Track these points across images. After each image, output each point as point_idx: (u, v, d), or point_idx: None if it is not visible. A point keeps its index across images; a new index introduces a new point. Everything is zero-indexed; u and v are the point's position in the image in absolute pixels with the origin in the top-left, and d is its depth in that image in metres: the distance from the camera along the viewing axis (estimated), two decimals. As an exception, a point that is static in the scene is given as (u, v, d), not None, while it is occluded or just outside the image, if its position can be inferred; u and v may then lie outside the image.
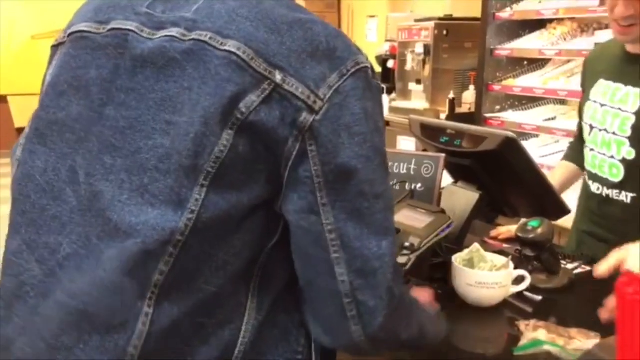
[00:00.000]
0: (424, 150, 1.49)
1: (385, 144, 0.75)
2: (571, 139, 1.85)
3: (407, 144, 3.53)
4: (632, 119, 1.37)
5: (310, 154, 0.70)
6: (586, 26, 2.82)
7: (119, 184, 0.72)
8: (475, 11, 3.54)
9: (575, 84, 2.75)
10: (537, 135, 2.99)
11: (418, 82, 3.68)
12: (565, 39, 2.86)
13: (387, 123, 3.81)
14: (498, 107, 3.16)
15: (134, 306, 0.70)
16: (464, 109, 3.43)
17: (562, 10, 2.70)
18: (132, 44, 0.74)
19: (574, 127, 2.70)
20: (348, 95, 0.71)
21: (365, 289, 0.72)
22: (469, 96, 3.42)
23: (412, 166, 1.35)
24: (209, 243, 0.71)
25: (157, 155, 0.71)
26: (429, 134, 1.41)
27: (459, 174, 1.40)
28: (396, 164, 1.37)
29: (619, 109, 1.40)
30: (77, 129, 0.75)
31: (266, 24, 0.72)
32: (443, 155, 1.31)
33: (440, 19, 3.60)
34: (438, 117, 3.54)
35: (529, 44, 2.97)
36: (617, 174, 1.42)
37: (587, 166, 1.53)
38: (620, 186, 1.42)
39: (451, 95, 3.38)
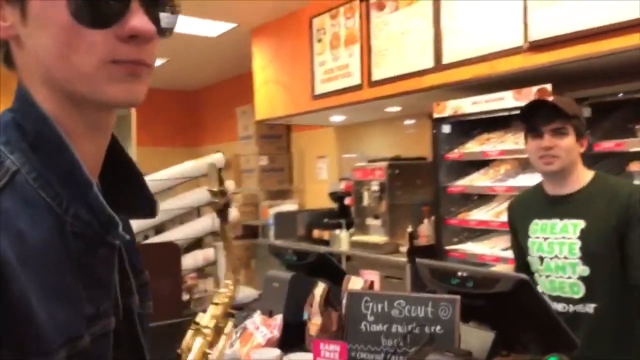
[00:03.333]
0: (435, 292, 1.57)
1: None
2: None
3: (370, 277, 3.61)
4: (578, 243, 1.72)
5: None
6: (527, 164, 3.15)
7: None
8: (420, 151, 3.88)
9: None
10: (493, 265, 3.18)
11: (376, 217, 3.88)
12: (509, 176, 3.17)
13: (349, 257, 3.92)
14: (455, 239, 3.36)
15: None
16: (421, 241, 3.61)
17: (505, 152, 3.03)
18: None
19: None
20: None
21: None
22: (425, 229, 3.62)
23: (430, 309, 1.42)
24: None
25: None
26: (438, 276, 1.50)
27: (470, 315, 1.48)
28: (413, 307, 1.44)
29: (563, 237, 1.76)
30: None
31: None
32: (459, 297, 1.40)
33: (391, 159, 3.90)
34: (398, 250, 3.70)
35: (478, 181, 3.26)
36: (578, 291, 1.73)
37: (546, 291, 1.80)
38: (583, 300, 1.72)
39: (409, 229, 3.57)
